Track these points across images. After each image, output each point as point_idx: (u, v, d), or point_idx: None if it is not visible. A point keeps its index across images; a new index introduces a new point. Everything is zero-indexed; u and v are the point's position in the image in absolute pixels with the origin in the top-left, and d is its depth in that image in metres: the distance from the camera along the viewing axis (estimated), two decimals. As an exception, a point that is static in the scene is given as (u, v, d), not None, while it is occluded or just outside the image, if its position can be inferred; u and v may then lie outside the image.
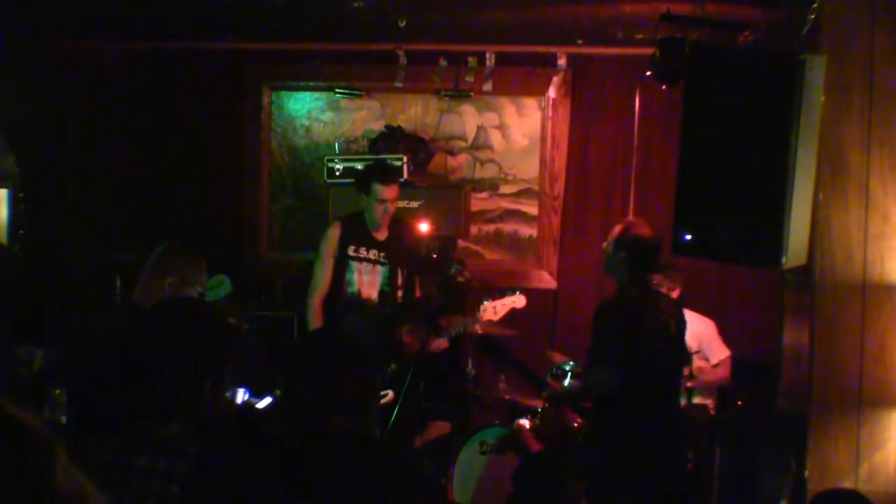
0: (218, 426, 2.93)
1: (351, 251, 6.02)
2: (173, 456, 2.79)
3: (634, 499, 4.76)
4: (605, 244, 4.92)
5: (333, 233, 6.06)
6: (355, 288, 5.98)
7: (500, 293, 6.00)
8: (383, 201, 5.88)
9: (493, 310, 5.97)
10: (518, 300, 5.95)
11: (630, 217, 5.39)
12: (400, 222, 6.13)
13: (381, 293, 6.00)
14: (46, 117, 6.75)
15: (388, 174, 6.07)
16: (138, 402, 3.03)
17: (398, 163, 6.88)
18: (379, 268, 6.00)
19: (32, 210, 6.76)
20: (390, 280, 6.00)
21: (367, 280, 6.00)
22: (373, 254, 6.00)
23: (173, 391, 2.99)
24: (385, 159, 6.89)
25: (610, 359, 4.78)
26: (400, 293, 6.03)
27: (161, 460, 2.79)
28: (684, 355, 5.10)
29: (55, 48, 6.76)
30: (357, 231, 6.03)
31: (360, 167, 6.90)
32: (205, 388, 3.03)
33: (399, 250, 6.02)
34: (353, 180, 6.57)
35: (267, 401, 4.66)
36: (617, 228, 5.02)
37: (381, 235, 6.00)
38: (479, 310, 5.96)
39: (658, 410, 4.87)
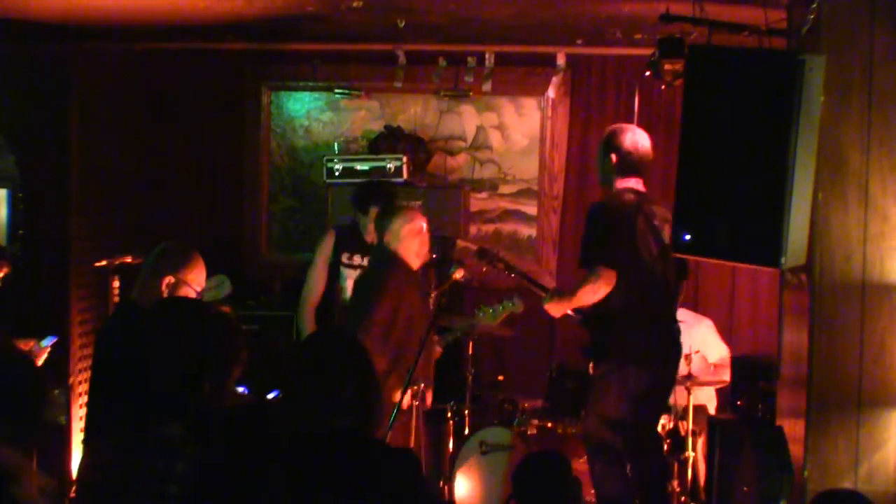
0: (224, 423, 2.93)
1: (344, 258, 6.06)
2: (172, 456, 2.80)
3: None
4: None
5: (327, 241, 6.11)
6: (347, 295, 6.00)
7: (499, 298, 5.99)
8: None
9: (493, 315, 5.97)
10: (516, 305, 5.95)
11: (620, 123, 5.41)
12: None
13: None
14: (46, 117, 6.74)
15: (387, 197, 6.03)
16: (137, 402, 3.03)
17: (397, 163, 6.88)
18: None
19: (32, 210, 6.76)
20: None
21: None
22: (367, 261, 6.00)
23: (172, 392, 2.99)
24: (383, 158, 6.90)
25: (605, 257, 4.81)
26: None
27: (160, 461, 2.79)
28: (681, 265, 5.11)
29: (55, 48, 6.75)
30: (351, 239, 6.06)
31: (359, 167, 6.91)
32: (204, 388, 3.03)
33: None
34: (351, 181, 6.59)
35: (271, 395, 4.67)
36: (606, 132, 5.09)
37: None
38: (476, 315, 5.96)
39: (656, 321, 4.90)
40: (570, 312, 5.17)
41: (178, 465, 2.79)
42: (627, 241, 4.86)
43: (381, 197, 5.95)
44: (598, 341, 5.08)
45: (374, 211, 5.86)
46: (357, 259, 6.06)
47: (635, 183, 5.02)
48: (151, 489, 2.79)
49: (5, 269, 5.61)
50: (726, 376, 6.20)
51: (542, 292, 5.23)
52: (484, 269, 5.54)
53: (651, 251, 4.92)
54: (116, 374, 3.70)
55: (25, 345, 5.32)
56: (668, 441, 5.68)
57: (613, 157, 5.01)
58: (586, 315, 5.12)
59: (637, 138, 5.04)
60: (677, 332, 5.12)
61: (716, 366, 6.23)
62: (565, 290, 5.07)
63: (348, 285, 6.02)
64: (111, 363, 3.91)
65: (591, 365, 5.14)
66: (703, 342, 6.17)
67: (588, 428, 5.14)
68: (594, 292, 4.87)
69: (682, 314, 6.27)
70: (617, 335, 4.94)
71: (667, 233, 4.88)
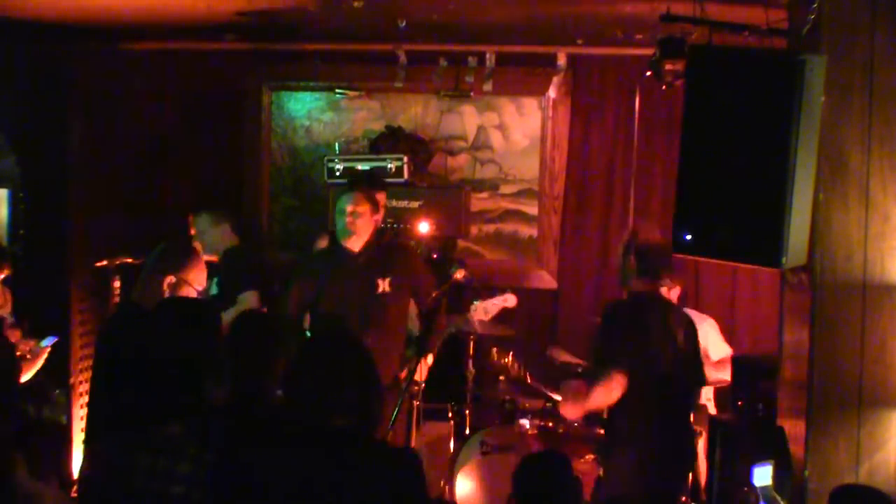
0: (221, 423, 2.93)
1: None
2: (174, 457, 2.80)
3: None
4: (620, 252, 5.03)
5: (322, 243, 6.08)
6: None
7: (490, 293, 5.99)
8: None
9: (484, 310, 5.97)
10: (509, 299, 5.96)
11: (638, 221, 5.40)
12: (387, 228, 6.17)
13: None
14: (47, 117, 6.74)
15: (373, 181, 6.06)
16: (139, 402, 3.03)
17: (398, 163, 6.89)
18: None
19: (32, 210, 6.76)
20: None
21: None
22: None
23: (174, 392, 2.99)
24: (384, 158, 6.91)
25: (617, 359, 4.80)
26: None
27: (162, 461, 2.80)
28: (696, 371, 5.10)
29: (55, 48, 6.75)
30: None
31: (360, 167, 6.92)
32: (206, 388, 3.04)
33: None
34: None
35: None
36: (626, 234, 5.07)
37: None
38: (469, 310, 5.96)
39: (666, 424, 4.90)
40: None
41: (181, 466, 2.79)
42: (641, 345, 4.84)
43: (370, 181, 5.97)
44: (607, 440, 5.09)
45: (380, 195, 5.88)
46: None
47: (651, 286, 4.96)
48: (153, 489, 2.79)
49: (6, 271, 5.61)
50: (726, 375, 6.19)
51: (556, 396, 5.27)
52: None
53: (665, 354, 4.90)
54: (118, 374, 3.70)
55: (26, 345, 5.33)
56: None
57: (632, 258, 4.97)
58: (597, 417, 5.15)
59: (654, 237, 5.00)
60: (689, 438, 5.12)
61: (718, 363, 6.22)
62: (579, 394, 5.04)
63: None
64: (113, 363, 3.92)
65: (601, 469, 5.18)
66: (706, 341, 6.17)
67: None
68: (607, 395, 4.85)
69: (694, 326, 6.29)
70: (626, 437, 4.92)
71: (680, 337, 4.89)
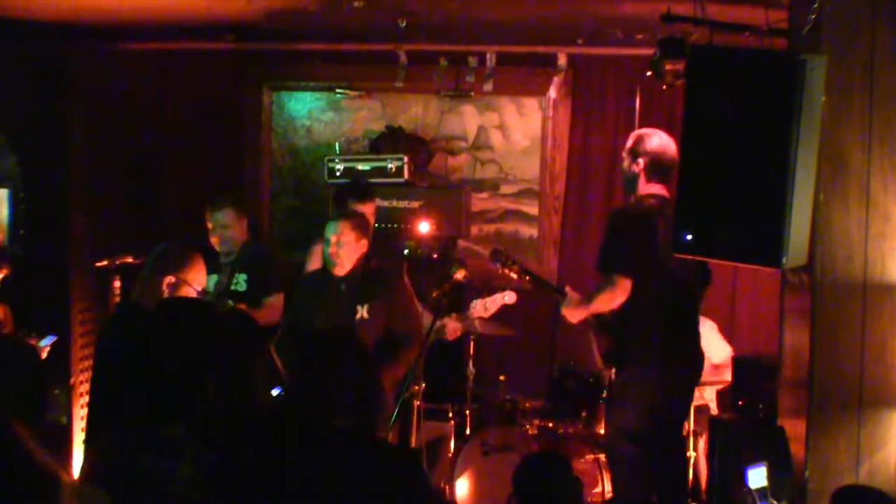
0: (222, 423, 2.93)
1: None
2: (176, 457, 2.80)
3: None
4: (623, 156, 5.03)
5: (317, 248, 6.06)
6: None
7: (490, 290, 5.98)
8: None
9: (484, 307, 5.97)
10: (508, 296, 5.95)
11: (643, 127, 5.36)
12: (382, 232, 6.15)
13: None
14: (47, 117, 6.74)
15: (362, 190, 5.98)
16: (140, 402, 3.03)
17: (399, 163, 6.88)
18: None
19: (33, 210, 6.76)
20: None
21: None
22: None
23: (176, 392, 2.99)
24: (385, 158, 6.90)
25: (622, 265, 4.78)
26: None
27: (163, 461, 2.79)
28: (702, 272, 5.08)
29: (55, 48, 6.75)
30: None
31: (360, 167, 6.91)
32: (208, 388, 3.03)
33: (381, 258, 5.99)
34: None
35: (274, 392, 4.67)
36: (631, 138, 5.05)
37: None
38: (469, 308, 5.95)
39: (675, 328, 4.88)
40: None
41: (182, 467, 2.79)
42: (647, 249, 4.83)
43: (357, 192, 5.93)
44: (618, 348, 5.05)
45: (352, 205, 5.82)
46: None
47: (660, 189, 4.96)
48: (155, 489, 2.79)
49: (5, 271, 5.61)
50: (727, 375, 6.20)
51: (557, 295, 5.19)
52: (499, 272, 5.50)
53: (671, 258, 4.90)
54: (119, 374, 3.70)
55: (25, 344, 5.32)
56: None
57: (641, 161, 4.96)
58: (606, 321, 5.09)
59: (665, 143, 5.00)
60: (698, 338, 5.12)
61: (719, 366, 6.22)
62: (581, 297, 5.03)
63: None
64: (113, 363, 3.92)
65: (612, 371, 5.14)
66: (706, 343, 6.16)
67: (610, 441, 5.15)
68: (610, 300, 4.85)
69: None
70: (637, 341, 4.91)
71: None
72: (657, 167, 4.94)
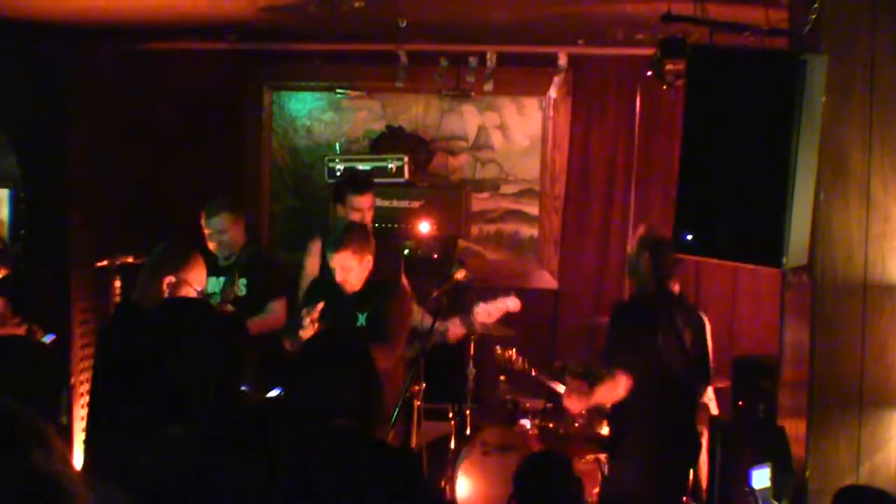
0: (227, 422, 2.93)
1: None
2: (177, 456, 2.79)
3: None
4: (628, 248, 5.07)
5: (314, 247, 6.05)
6: None
7: (494, 295, 5.96)
8: (359, 210, 5.77)
9: (487, 313, 5.94)
10: (512, 303, 5.92)
11: (651, 219, 5.41)
12: (380, 231, 6.12)
13: None
14: (47, 117, 6.74)
15: (360, 183, 5.93)
16: (140, 402, 3.03)
17: (399, 163, 6.88)
18: None
19: (33, 210, 6.76)
20: None
21: None
22: None
23: (177, 392, 2.99)
24: (385, 158, 6.90)
25: (624, 363, 4.82)
26: None
27: (165, 461, 2.79)
28: (702, 371, 5.12)
29: (55, 48, 6.76)
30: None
31: (361, 167, 6.91)
32: (209, 388, 3.03)
33: (379, 256, 5.98)
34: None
35: (272, 394, 4.67)
36: (640, 230, 5.07)
37: None
38: (472, 312, 5.93)
39: (671, 425, 4.91)
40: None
41: (184, 466, 2.79)
42: (648, 346, 4.86)
43: (356, 185, 5.90)
44: (612, 438, 5.17)
45: (351, 198, 5.80)
46: None
47: (664, 284, 4.97)
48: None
49: (4, 271, 5.61)
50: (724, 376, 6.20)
51: (560, 387, 5.30)
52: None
53: (672, 355, 4.92)
54: (119, 374, 3.70)
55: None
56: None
57: (646, 255, 4.95)
58: (604, 410, 5.18)
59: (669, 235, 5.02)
60: (694, 433, 5.15)
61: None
62: (583, 387, 5.07)
63: None
64: (114, 363, 3.91)
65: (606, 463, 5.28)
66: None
67: None
68: (611, 395, 4.91)
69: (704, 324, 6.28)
70: (631, 435, 4.97)
71: (688, 338, 4.91)
72: (662, 261, 4.92)
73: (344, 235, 5.25)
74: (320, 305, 5.06)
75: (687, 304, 5.22)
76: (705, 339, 5.09)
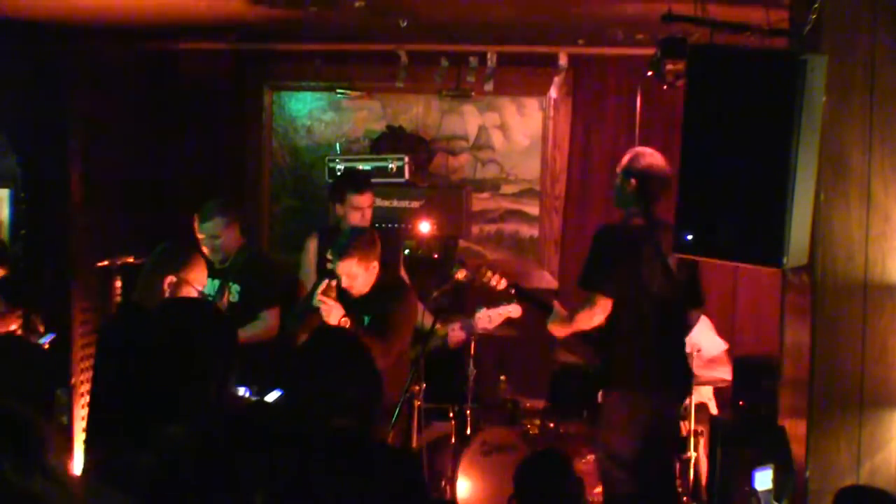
0: (222, 424, 2.94)
1: (329, 264, 6.01)
2: (177, 456, 2.79)
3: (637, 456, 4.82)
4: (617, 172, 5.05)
5: (311, 245, 6.04)
6: None
7: (496, 300, 5.93)
8: (358, 209, 5.78)
9: (489, 318, 5.92)
10: (514, 310, 5.89)
11: (640, 146, 5.39)
12: (379, 228, 6.12)
13: None
14: (48, 117, 6.74)
15: (360, 182, 5.92)
16: (141, 402, 3.03)
17: (399, 163, 6.88)
18: None
19: (34, 210, 6.75)
20: None
21: None
22: None
23: (178, 392, 2.99)
24: (385, 158, 6.90)
25: (602, 285, 4.82)
26: None
27: (165, 461, 2.79)
28: (693, 295, 5.10)
29: (55, 48, 6.75)
30: (333, 240, 6.00)
31: (361, 167, 6.91)
32: (209, 388, 3.03)
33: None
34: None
35: (273, 395, 4.66)
36: (627, 156, 5.07)
37: None
38: (473, 317, 5.92)
39: (661, 348, 4.89)
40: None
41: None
42: (630, 271, 4.86)
43: (355, 185, 5.88)
44: (604, 370, 5.10)
45: (351, 198, 5.79)
46: None
47: (651, 209, 4.99)
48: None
49: (3, 271, 5.61)
50: (725, 373, 6.20)
51: (543, 310, 5.24)
52: (487, 285, 5.54)
53: (657, 279, 4.92)
54: (119, 374, 3.70)
55: (22, 343, 5.33)
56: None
57: (633, 181, 4.98)
58: (592, 338, 5.12)
59: (659, 164, 5.04)
60: (684, 360, 5.14)
61: (714, 360, 6.23)
62: (565, 314, 5.07)
63: None
64: (114, 363, 3.92)
65: (600, 393, 5.18)
66: (698, 338, 6.18)
67: (599, 462, 5.19)
68: (589, 319, 4.91)
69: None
70: (622, 365, 4.95)
71: (674, 261, 4.91)
72: (647, 188, 4.97)
73: (349, 242, 5.17)
74: (335, 283, 5.02)
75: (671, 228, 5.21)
76: (695, 265, 5.04)
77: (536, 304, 5.47)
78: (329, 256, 5.22)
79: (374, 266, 5.16)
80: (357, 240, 5.19)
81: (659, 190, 4.97)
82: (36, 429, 1.70)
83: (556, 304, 5.19)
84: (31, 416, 1.73)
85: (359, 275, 5.11)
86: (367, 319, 5.19)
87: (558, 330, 5.11)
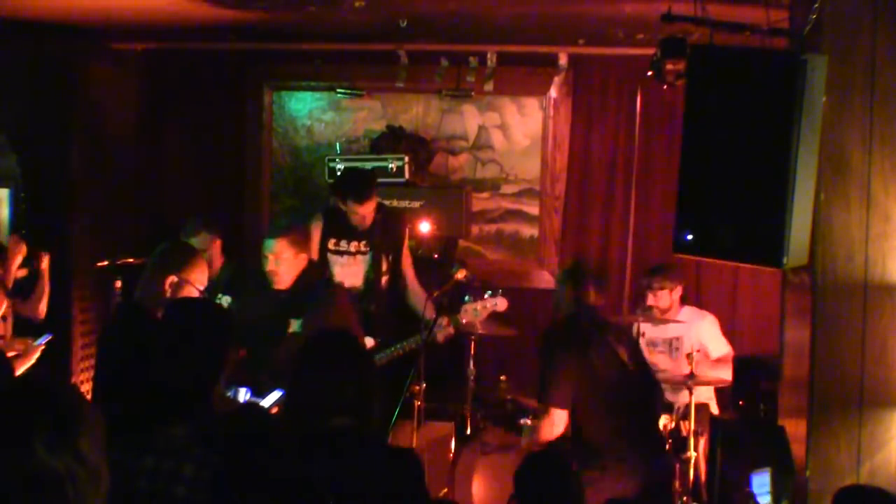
0: (221, 426, 2.94)
1: (331, 245, 6.02)
2: (179, 457, 2.79)
3: None
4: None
5: (314, 227, 6.04)
6: (336, 281, 5.97)
7: (481, 294, 5.88)
8: (359, 214, 5.87)
9: (474, 311, 5.85)
10: (500, 303, 5.85)
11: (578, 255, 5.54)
12: (384, 209, 6.10)
13: (366, 280, 5.99)
14: (48, 117, 6.75)
15: (362, 192, 5.88)
16: (143, 403, 3.03)
17: (399, 163, 6.88)
18: (360, 258, 6.00)
19: (34, 210, 6.76)
20: (374, 267, 5.99)
21: (350, 272, 6.00)
22: (353, 245, 6.00)
23: (178, 392, 2.99)
24: (385, 158, 6.90)
25: (554, 399, 4.83)
26: (385, 279, 6.01)
27: (166, 461, 2.79)
28: (651, 381, 5.12)
29: (55, 48, 6.76)
30: (338, 223, 5.99)
31: (360, 167, 6.91)
32: (210, 388, 3.04)
33: (382, 237, 5.98)
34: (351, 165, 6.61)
35: (274, 396, 4.66)
36: (566, 264, 5.15)
37: (364, 227, 5.96)
38: (459, 311, 5.88)
39: (631, 437, 4.87)
40: None
41: (185, 467, 2.79)
42: (582, 368, 4.86)
43: (358, 195, 5.87)
44: (583, 464, 5.11)
45: (354, 205, 5.80)
46: (344, 245, 6.03)
47: (594, 299, 5.01)
48: (157, 491, 2.79)
49: (23, 251, 5.66)
50: (727, 374, 6.20)
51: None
52: None
53: (610, 372, 4.90)
54: (122, 374, 3.70)
55: (22, 343, 5.33)
56: (669, 441, 5.68)
57: (569, 283, 5.02)
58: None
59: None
60: (656, 441, 5.13)
61: (720, 360, 6.23)
62: (532, 427, 5.19)
63: (337, 272, 6.01)
64: (114, 363, 3.92)
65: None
66: (706, 338, 6.19)
67: None
68: (550, 432, 4.93)
69: (686, 312, 6.28)
70: (589, 457, 4.93)
71: (623, 352, 4.92)
72: (579, 284, 5.00)
73: (289, 225, 5.37)
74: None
75: (614, 324, 5.22)
76: (640, 350, 5.15)
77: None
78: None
79: (303, 258, 5.18)
80: (296, 225, 5.34)
81: (592, 283, 5.01)
82: (77, 411, 1.75)
83: (524, 422, 5.35)
84: (76, 399, 1.79)
85: (287, 259, 5.12)
86: (294, 322, 5.16)
87: (532, 444, 5.13)
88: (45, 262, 5.90)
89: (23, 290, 5.83)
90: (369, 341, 5.39)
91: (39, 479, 1.66)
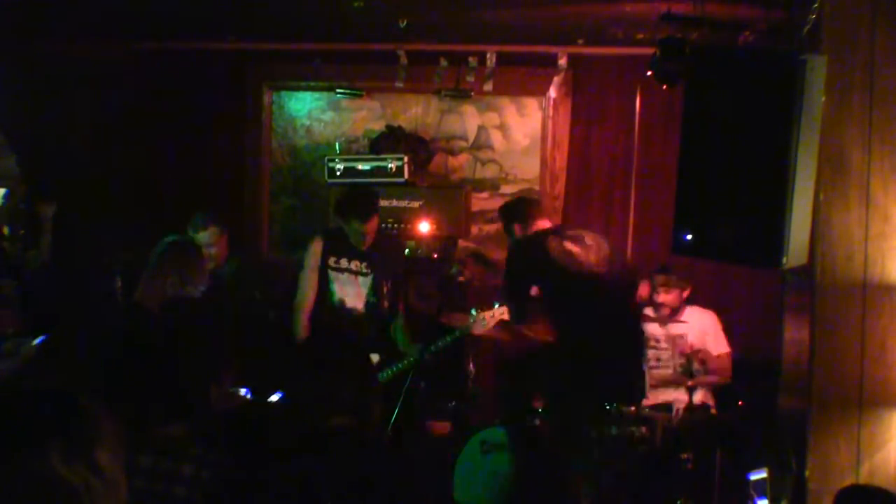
0: (222, 424, 2.94)
1: (332, 262, 6.03)
2: (177, 457, 2.80)
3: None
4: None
5: (316, 246, 6.08)
6: (337, 298, 6.01)
7: (489, 303, 5.89)
8: (361, 232, 5.90)
9: (483, 321, 5.87)
10: (507, 311, 5.86)
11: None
12: (384, 233, 6.15)
13: (367, 303, 6.01)
14: (47, 117, 6.74)
15: (367, 211, 5.92)
16: (142, 402, 3.04)
17: (399, 163, 6.88)
18: (360, 279, 6.00)
19: (34, 210, 6.75)
20: (375, 290, 6.00)
21: (351, 291, 6.01)
22: (354, 265, 6.01)
23: (180, 393, 2.99)
24: (385, 158, 6.90)
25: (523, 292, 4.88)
26: (386, 303, 6.02)
27: (165, 461, 2.80)
28: (624, 279, 5.17)
29: (56, 48, 6.76)
30: (339, 243, 6.03)
31: (361, 167, 6.91)
32: (211, 389, 3.04)
33: (383, 260, 6.00)
34: (353, 181, 6.60)
35: (276, 396, 4.66)
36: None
37: (364, 245, 5.99)
38: (469, 319, 5.88)
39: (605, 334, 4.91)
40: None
41: (184, 467, 2.79)
42: (548, 273, 4.90)
43: (362, 215, 5.91)
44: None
45: (356, 223, 5.86)
46: (344, 263, 6.04)
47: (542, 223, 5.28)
48: (156, 490, 2.79)
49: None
50: (727, 373, 6.21)
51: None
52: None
53: (578, 275, 4.94)
54: (122, 373, 3.70)
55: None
56: (668, 441, 5.68)
57: (516, 227, 5.39)
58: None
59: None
60: (627, 359, 5.17)
61: (720, 356, 6.24)
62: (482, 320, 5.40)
63: (337, 289, 6.03)
64: (116, 363, 3.92)
65: None
66: (707, 335, 6.20)
67: None
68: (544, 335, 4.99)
69: (688, 312, 6.29)
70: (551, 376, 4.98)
71: (586, 255, 4.99)
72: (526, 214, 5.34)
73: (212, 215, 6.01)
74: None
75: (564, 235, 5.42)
76: (606, 250, 5.34)
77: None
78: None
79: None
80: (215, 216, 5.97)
81: (529, 209, 5.49)
82: (94, 422, 1.75)
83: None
84: (94, 410, 1.79)
85: (218, 242, 5.78)
86: None
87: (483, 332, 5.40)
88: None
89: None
90: (374, 357, 5.40)
91: (54, 491, 1.65)
